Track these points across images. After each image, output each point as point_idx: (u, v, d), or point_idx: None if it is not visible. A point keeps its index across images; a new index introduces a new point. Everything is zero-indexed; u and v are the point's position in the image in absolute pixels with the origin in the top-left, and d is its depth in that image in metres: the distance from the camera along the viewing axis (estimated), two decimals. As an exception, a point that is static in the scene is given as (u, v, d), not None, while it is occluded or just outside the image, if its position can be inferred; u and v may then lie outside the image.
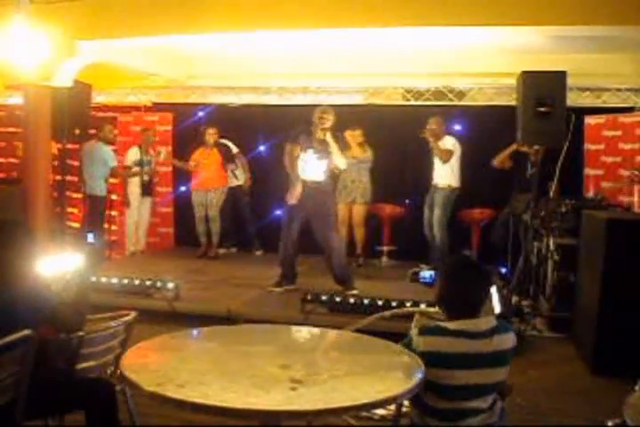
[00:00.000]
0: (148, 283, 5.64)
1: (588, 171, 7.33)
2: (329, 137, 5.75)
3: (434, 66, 7.38)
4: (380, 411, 3.16)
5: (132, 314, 2.89)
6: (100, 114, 8.26)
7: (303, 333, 3.04)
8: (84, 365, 2.73)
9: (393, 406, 2.55)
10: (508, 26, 5.30)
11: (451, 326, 2.39)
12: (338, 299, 5.18)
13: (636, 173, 6.31)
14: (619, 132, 7.11)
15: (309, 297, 5.19)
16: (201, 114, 8.47)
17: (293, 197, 5.78)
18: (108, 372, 2.88)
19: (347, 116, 6.66)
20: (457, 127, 7.43)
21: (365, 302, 5.07)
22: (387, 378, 2.29)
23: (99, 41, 6.19)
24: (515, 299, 5.64)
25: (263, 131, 8.09)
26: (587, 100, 7.20)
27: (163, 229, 8.48)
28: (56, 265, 2.88)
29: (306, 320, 4.80)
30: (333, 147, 5.78)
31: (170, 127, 8.60)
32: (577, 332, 4.97)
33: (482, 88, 7.53)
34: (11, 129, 9.03)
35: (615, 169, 7.03)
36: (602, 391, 3.98)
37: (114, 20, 5.97)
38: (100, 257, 7.11)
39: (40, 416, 2.67)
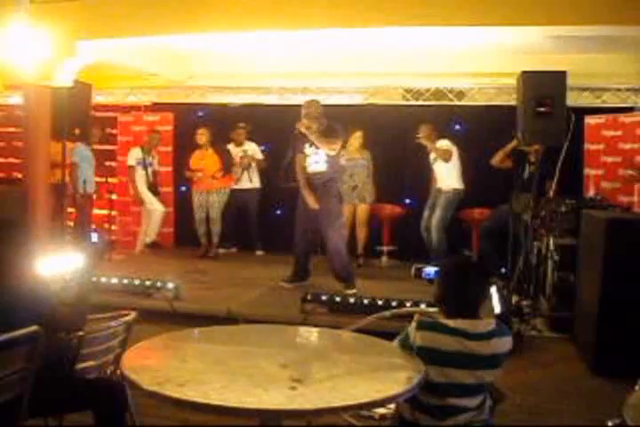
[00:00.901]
0: (147, 283, 5.64)
1: (588, 171, 7.34)
2: (303, 129, 5.83)
3: (434, 66, 7.38)
4: (380, 410, 3.16)
5: (132, 314, 2.89)
6: (101, 114, 8.26)
7: (303, 332, 3.04)
8: (84, 365, 2.73)
9: (393, 405, 2.55)
10: (507, 26, 5.30)
11: (451, 323, 2.40)
12: (338, 299, 5.18)
13: (636, 172, 6.31)
14: (619, 132, 7.11)
15: (309, 297, 5.19)
16: (201, 114, 8.48)
17: (312, 202, 5.89)
18: (108, 372, 2.88)
19: (347, 116, 6.66)
20: (457, 127, 7.43)
21: (365, 301, 5.07)
22: (386, 377, 2.29)
23: (98, 41, 6.19)
24: (515, 299, 5.63)
25: (263, 131, 8.08)
26: (587, 100, 7.20)
27: (163, 229, 8.47)
28: (56, 265, 2.88)
29: (306, 320, 4.80)
30: (312, 137, 5.84)
31: (170, 127, 8.60)
32: (577, 332, 4.97)
33: (482, 88, 7.53)
34: (11, 129, 9.03)
35: (615, 169, 7.03)
36: (602, 391, 3.97)
37: (114, 20, 5.97)
38: (101, 257, 7.10)
39: (42, 415, 2.68)
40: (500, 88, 7.36)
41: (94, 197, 7.92)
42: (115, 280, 5.70)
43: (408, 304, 4.77)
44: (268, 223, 7.99)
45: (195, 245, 7.89)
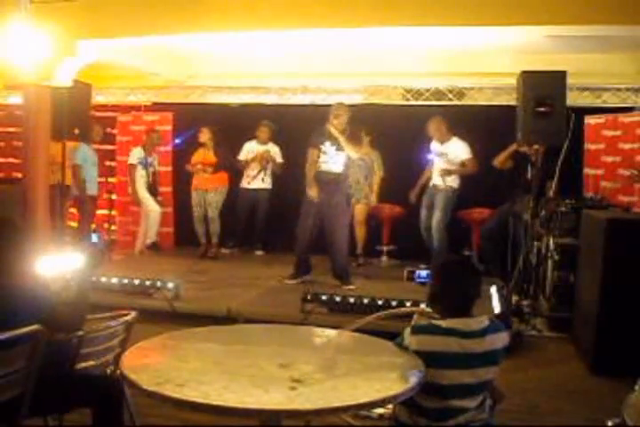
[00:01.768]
0: (147, 283, 5.64)
1: (588, 171, 7.34)
2: (335, 132, 5.97)
3: (433, 66, 7.38)
4: (379, 410, 3.16)
5: (132, 314, 2.89)
6: (100, 114, 8.26)
7: (303, 332, 3.04)
8: (84, 364, 2.73)
9: (391, 405, 2.55)
10: (507, 26, 5.30)
11: (443, 324, 2.41)
12: (338, 299, 5.18)
13: (635, 172, 6.31)
14: (619, 132, 7.11)
15: (309, 297, 5.19)
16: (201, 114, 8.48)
17: (314, 194, 6.01)
18: (108, 371, 2.88)
19: (350, 116, 6.64)
20: (456, 127, 7.41)
21: (365, 301, 5.07)
22: (386, 377, 2.29)
23: (98, 41, 6.19)
24: (515, 299, 5.64)
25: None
26: (587, 100, 7.19)
27: (163, 229, 8.47)
28: (56, 265, 2.88)
29: (305, 320, 4.80)
30: (340, 138, 5.99)
31: (170, 127, 8.60)
32: (577, 332, 4.97)
33: (482, 88, 7.52)
34: (11, 129, 9.03)
35: (615, 169, 7.03)
36: (602, 391, 3.98)
37: (114, 20, 5.97)
38: (102, 257, 7.08)
39: (42, 415, 2.68)
40: (499, 88, 7.35)
41: (97, 198, 7.87)
42: (115, 280, 5.70)
43: (408, 304, 4.77)
44: (271, 224, 7.98)
45: (195, 245, 7.89)
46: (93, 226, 7.92)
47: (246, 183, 7.88)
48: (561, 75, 5.35)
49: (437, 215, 6.83)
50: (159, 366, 2.37)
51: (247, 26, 5.71)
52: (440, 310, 2.52)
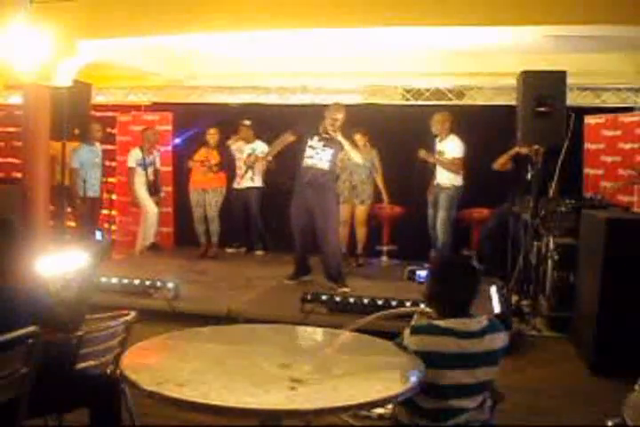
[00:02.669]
0: (147, 283, 5.64)
1: (588, 170, 7.34)
2: (340, 136, 5.86)
3: (433, 66, 7.38)
4: (378, 410, 3.16)
5: (132, 314, 2.89)
6: (100, 114, 8.26)
7: (303, 332, 3.04)
8: (84, 364, 2.73)
9: (391, 405, 2.55)
10: (507, 26, 5.30)
11: (442, 324, 2.40)
12: (338, 299, 5.18)
13: (635, 172, 6.31)
14: (618, 132, 7.11)
15: (309, 297, 5.19)
16: (201, 114, 8.48)
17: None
18: (108, 371, 2.88)
19: (346, 116, 6.64)
20: (456, 127, 7.41)
21: (365, 301, 5.07)
22: (386, 377, 2.29)
23: (98, 41, 6.19)
24: (515, 299, 5.64)
25: (262, 130, 8.07)
26: (586, 100, 7.19)
27: (163, 229, 8.48)
28: (55, 264, 2.88)
29: (305, 320, 4.79)
30: (346, 144, 5.91)
31: (170, 127, 8.60)
32: (576, 331, 4.97)
33: (482, 88, 7.53)
34: (11, 129, 9.03)
35: (615, 169, 7.03)
36: (602, 391, 3.97)
37: (114, 20, 5.97)
38: (105, 255, 7.06)
39: (42, 415, 2.68)
40: (499, 88, 7.35)
41: (99, 199, 7.80)
42: (115, 280, 5.70)
43: (408, 304, 4.77)
44: (269, 223, 7.98)
45: (195, 245, 7.90)
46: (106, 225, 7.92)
47: (236, 184, 7.89)
48: (561, 75, 5.35)
49: (441, 215, 6.84)
50: (159, 366, 2.37)
51: (247, 26, 5.71)
52: (439, 309, 2.52)
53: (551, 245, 5.49)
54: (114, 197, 8.40)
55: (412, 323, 2.70)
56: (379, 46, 6.92)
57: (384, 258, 7.71)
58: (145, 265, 6.97)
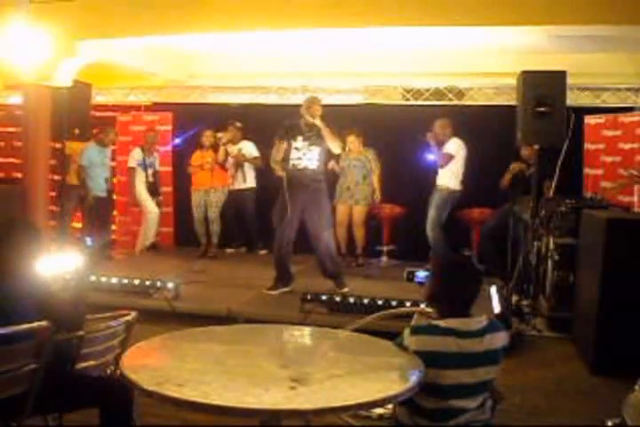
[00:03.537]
0: (147, 283, 5.64)
1: (588, 170, 7.34)
2: (318, 121, 5.62)
3: (433, 66, 7.39)
4: (378, 410, 3.16)
5: (132, 314, 2.89)
6: (100, 114, 8.27)
7: (303, 332, 3.04)
8: (84, 364, 2.73)
9: (391, 405, 2.55)
10: (508, 26, 5.31)
11: (442, 324, 2.40)
12: (337, 299, 5.18)
13: (635, 172, 6.31)
14: (618, 132, 7.11)
15: (309, 297, 5.19)
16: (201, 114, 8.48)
17: (279, 171, 5.77)
18: (108, 372, 2.88)
19: (346, 116, 6.66)
20: (456, 127, 7.41)
21: (365, 301, 5.07)
22: (386, 377, 2.29)
23: (98, 41, 6.20)
24: (515, 299, 5.64)
25: (262, 130, 8.07)
26: (586, 100, 7.20)
27: (163, 229, 8.48)
28: (56, 264, 2.88)
29: (305, 320, 4.79)
30: (324, 129, 5.62)
31: (170, 127, 8.60)
32: (577, 332, 4.97)
33: (482, 88, 7.53)
34: (11, 129, 9.03)
35: (615, 169, 7.03)
36: (602, 391, 3.98)
37: (114, 20, 5.98)
38: (97, 259, 7.02)
39: (42, 414, 2.68)
40: (499, 88, 7.36)
41: (104, 199, 7.75)
42: (115, 280, 5.70)
43: (408, 304, 4.77)
44: (265, 223, 7.97)
45: (195, 245, 7.90)
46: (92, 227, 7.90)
47: (229, 185, 7.88)
48: (561, 75, 5.35)
49: (430, 214, 6.86)
50: (159, 366, 2.37)
51: (247, 26, 5.72)
52: (439, 309, 2.52)
53: (551, 245, 5.49)
54: (114, 196, 8.40)
55: (412, 323, 2.70)
56: (379, 46, 6.92)
57: (384, 258, 7.70)
58: (145, 265, 6.97)
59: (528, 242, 5.77)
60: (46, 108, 6.23)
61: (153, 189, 7.98)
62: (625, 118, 7.10)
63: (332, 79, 7.85)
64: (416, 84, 7.68)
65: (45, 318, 2.48)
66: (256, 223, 7.97)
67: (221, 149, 7.65)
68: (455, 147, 6.78)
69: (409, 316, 2.92)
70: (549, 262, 5.50)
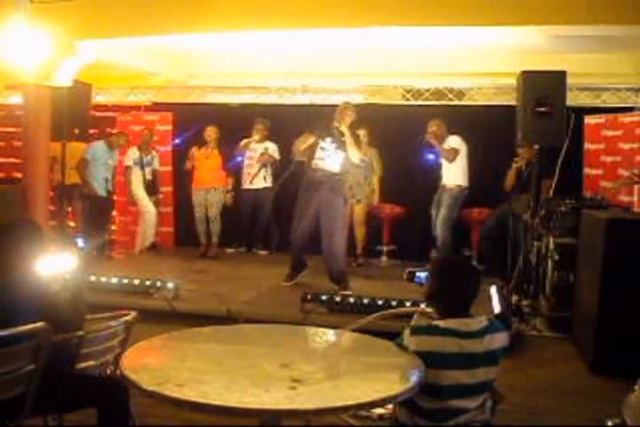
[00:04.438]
0: (147, 283, 5.64)
1: (588, 170, 7.34)
2: (344, 128, 5.78)
3: (434, 66, 7.38)
4: (378, 410, 3.16)
5: (132, 314, 2.89)
6: (100, 114, 8.27)
7: (303, 332, 3.04)
8: (84, 364, 2.73)
9: (390, 405, 2.55)
10: (508, 26, 5.31)
11: (442, 324, 2.40)
12: (337, 299, 5.18)
13: (636, 172, 6.32)
14: (618, 132, 7.11)
15: (309, 297, 5.19)
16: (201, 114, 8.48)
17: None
18: (108, 372, 2.88)
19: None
20: (456, 127, 7.41)
21: (365, 301, 5.07)
22: (386, 377, 2.29)
23: (98, 41, 6.20)
24: (515, 299, 5.64)
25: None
26: (586, 100, 7.20)
27: (163, 229, 8.48)
28: (55, 264, 2.88)
29: (305, 320, 4.80)
30: (348, 137, 5.79)
31: (170, 127, 8.60)
32: (576, 332, 4.97)
33: (482, 88, 7.53)
34: (11, 129, 9.03)
35: (615, 169, 7.04)
36: (602, 391, 3.97)
37: (114, 19, 5.97)
38: (91, 259, 6.98)
39: (42, 414, 2.68)
40: (499, 88, 7.36)
41: (104, 199, 7.77)
42: (115, 280, 5.70)
43: (408, 304, 4.77)
44: (277, 223, 7.97)
45: (195, 245, 7.89)
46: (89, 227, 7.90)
47: (248, 183, 7.82)
48: (561, 75, 5.35)
49: (442, 213, 6.82)
50: (159, 366, 2.37)
51: (247, 26, 5.71)
52: (439, 309, 2.52)
53: (551, 245, 5.49)
54: (114, 197, 8.40)
55: (412, 323, 2.71)
56: (379, 46, 6.92)
57: (384, 258, 7.70)
58: (145, 265, 6.97)
59: (528, 242, 5.77)
60: (46, 108, 6.23)
61: (151, 188, 7.97)
62: (625, 118, 7.10)
63: (332, 79, 7.85)
64: (416, 84, 7.68)
65: (46, 318, 2.48)
66: (269, 223, 7.96)
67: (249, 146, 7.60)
68: (457, 141, 6.77)
69: (409, 316, 2.92)
70: (549, 262, 5.50)
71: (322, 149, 5.86)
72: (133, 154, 7.85)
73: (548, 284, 5.50)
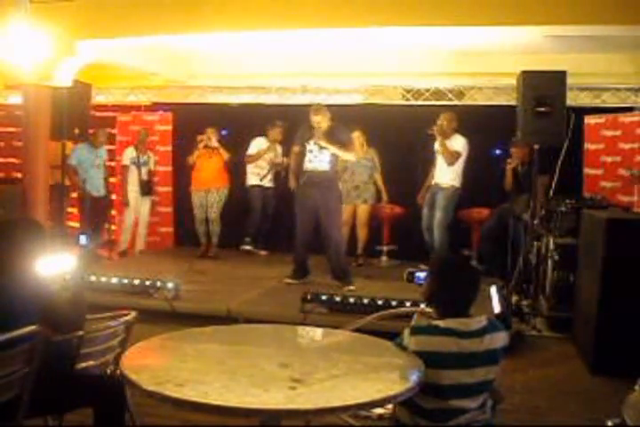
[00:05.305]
0: (147, 283, 5.64)
1: (588, 170, 7.34)
2: (322, 142, 5.89)
3: (433, 66, 7.38)
4: (378, 410, 3.16)
5: (132, 314, 2.89)
6: (100, 114, 8.26)
7: (303, 332, 3.04)
8: (84, 364, 2.73)
9: (390, 405, 2.55)
10: (507, 26, 5.31)
11: (441, 324, 2.40)
12: (337, 299, 5.18)
13: (636, 173, 6.32)
14: (618, 132, 7.11)
15: (309, 297, 5.19)
16: (201, 114, 8.48)
17: (292, 183, 6.37)
18: (108, 371, 2.88)
19: (346, 116, 6.66)
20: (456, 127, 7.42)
21: (365, 301, 5.07)
22: (386, 377, 2.29)
23: (98, 41, 6.19)
24: (515, 299, 5.64)
25: (262, 130, 8.07)
26: (586, 100, 7.20)
27: (163, 229, 8.48)
28: (55, 264, 2.88)
29: (305, 320, 4.80)
30: (331, 149, 5.93)
31: (170, 127, 8.60)
32: (577, 332, 4.97)
33: (482, 88, 7.53)
34: (11, 129, 9.03)
35: (615, 169, 7.04)
36: (602, 391, 3.98)
37: (114, 20, 5.97)
38: (90, 259, 6.99)
39: (42, 414, 2.68)
40: (499, 88, 7.36)
41: (101, 199, 7.76)
42: (115, 280, 5.70)
43: (408, 304, 4.77)
44: (276, 223, 7.98)
45: (195, 245, 7.89)
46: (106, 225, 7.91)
47: (259, 180, 7.84)
48: (561, 75, 5.35)
49: (439, 215, 6.80)
50: (159, 366, 2.37)
51: (247, 26, 5.71)
52: (439, 309, 2.51)
53: (551, 246, 5.49)
54: (113, 196, 8.40)
55: (412, 323, 2.70)
56: (379, 46, 6.92)
57: (384, 258, 7.70)
58: (145, 265, 6.96)
59: (528, 242, 5.77)
60: (46, 108, 6.23)
61: (147, 189, 7.97)
62: (625, 118, 7.10)
63: (332, 79, 7.85)
64: (416, 85, 7.68)
65: (45, 318, 2.48)
66: (268, 222, 7.98)
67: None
68: (462, 144, 6.75)
69: (409, 316, 2.92)
70: (549, 262, 5.50)
71: (309, 151, 6.01)
72: (130, 153, 7.87)
73: (548, 284, 5.50)
